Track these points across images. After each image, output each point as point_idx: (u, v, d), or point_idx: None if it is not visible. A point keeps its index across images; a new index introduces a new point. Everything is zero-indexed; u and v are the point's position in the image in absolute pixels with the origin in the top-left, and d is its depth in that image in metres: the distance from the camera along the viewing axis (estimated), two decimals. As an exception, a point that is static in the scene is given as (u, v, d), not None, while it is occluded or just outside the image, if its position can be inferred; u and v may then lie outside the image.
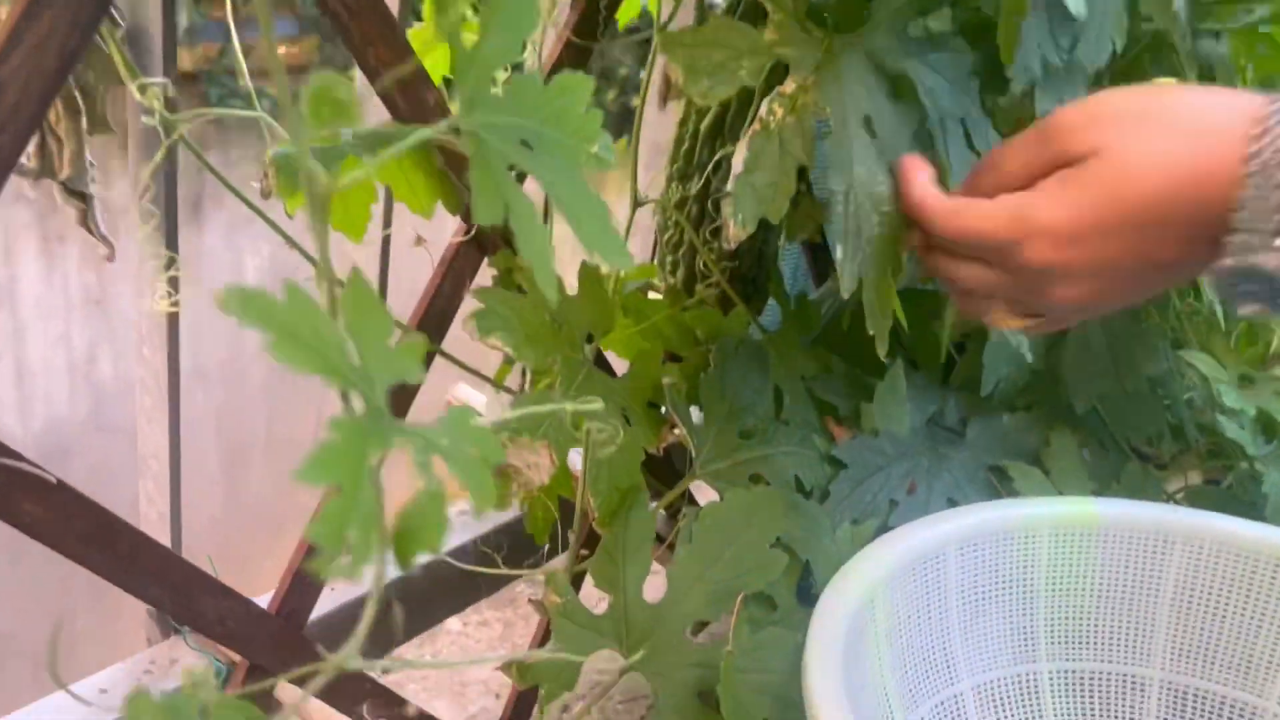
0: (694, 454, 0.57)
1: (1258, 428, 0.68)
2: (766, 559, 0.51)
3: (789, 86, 0.48)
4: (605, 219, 0.28)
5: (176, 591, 0.43)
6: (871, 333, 0.49)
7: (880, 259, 0.48)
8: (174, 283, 0.49)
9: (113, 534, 0.41)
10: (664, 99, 0.56)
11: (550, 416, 0.47)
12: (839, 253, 0.48)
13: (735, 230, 0.47)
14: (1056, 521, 0.59)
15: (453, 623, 0.97)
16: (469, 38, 0.27)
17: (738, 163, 0.48)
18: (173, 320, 0.62)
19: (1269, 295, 0.40)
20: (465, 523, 0.90)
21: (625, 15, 0.80)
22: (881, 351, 0.48)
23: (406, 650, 0.93)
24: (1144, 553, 0.59)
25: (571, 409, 0.42)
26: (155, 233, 0.53)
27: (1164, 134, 0.41)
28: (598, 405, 0.37)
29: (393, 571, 0.63)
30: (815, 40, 0.50)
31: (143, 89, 0.35)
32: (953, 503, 0.65)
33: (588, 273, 0.57)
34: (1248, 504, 0.68)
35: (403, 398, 0.57)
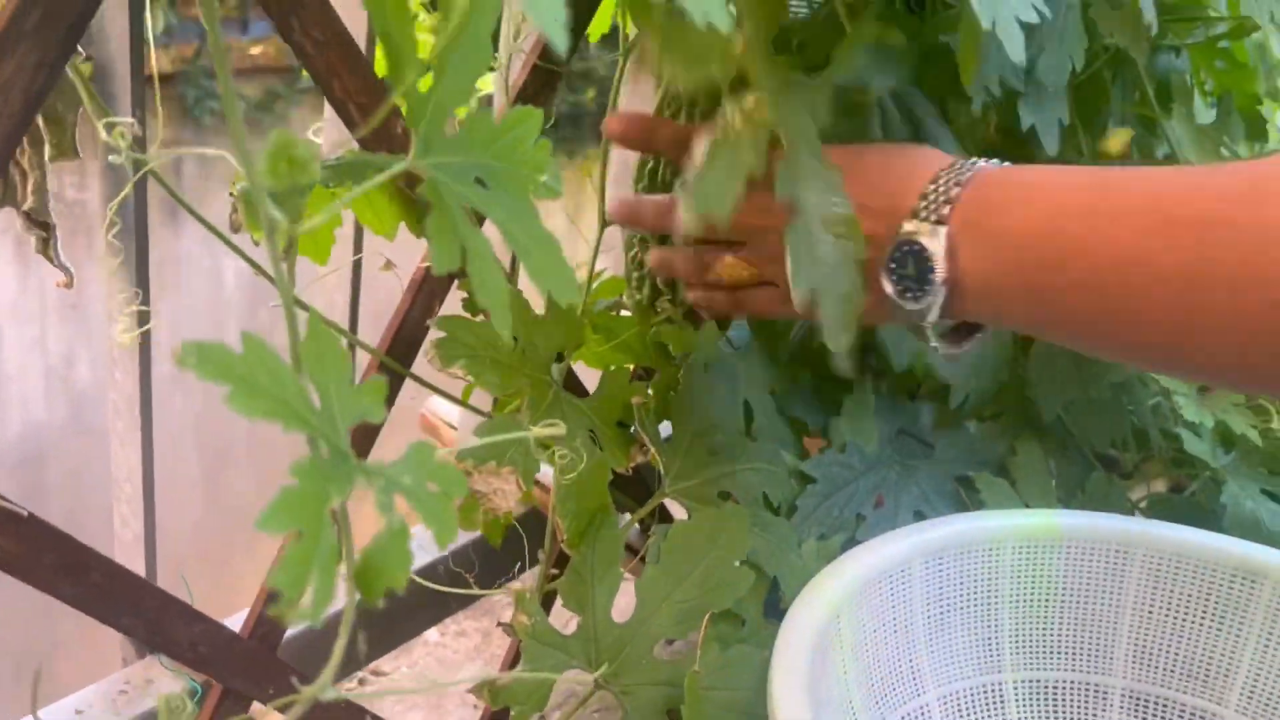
0: (662, 472, 0.58)
1: (1217, 440, 0.69)
2: (732, 577, 0.52)
3: (750, 100, 0.49)
4: (556, 253, 0.29)
5: (149, 620, 0.44)
6: (834, 348, 0.50)
7: (837, 276, 0.48)
8: (143, 316, 0.49)
9: (84, 565, 0.42)
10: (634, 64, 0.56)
11: (517, 441, 0.47)
12: (789, 269, 0.48)
13: (685, 223, 0.47)
14: (1020, 534, 0.60)
15: (430, 633, 0.97)
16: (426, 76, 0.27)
17: (696, 158, 0.49)
18: (144, 342, 0.62)
19: (916, 279, 0.48)
20: (429, 543, 0.90)
21: (596, 30, 0.80)
22: (845, 368, 0.49)
23: (383, 662, 0.93)
24: (1105, 563, 0.60)
25: (537, 434, 0.42)
26: (122, 266, 0.54)
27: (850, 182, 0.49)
28: (560, 431, 0.38)
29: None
30: (777, 67, 0.51)
31: (109, 127, 0.36)
32: (920, 515, 0.66)
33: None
34: (1211, 513, 0.69)
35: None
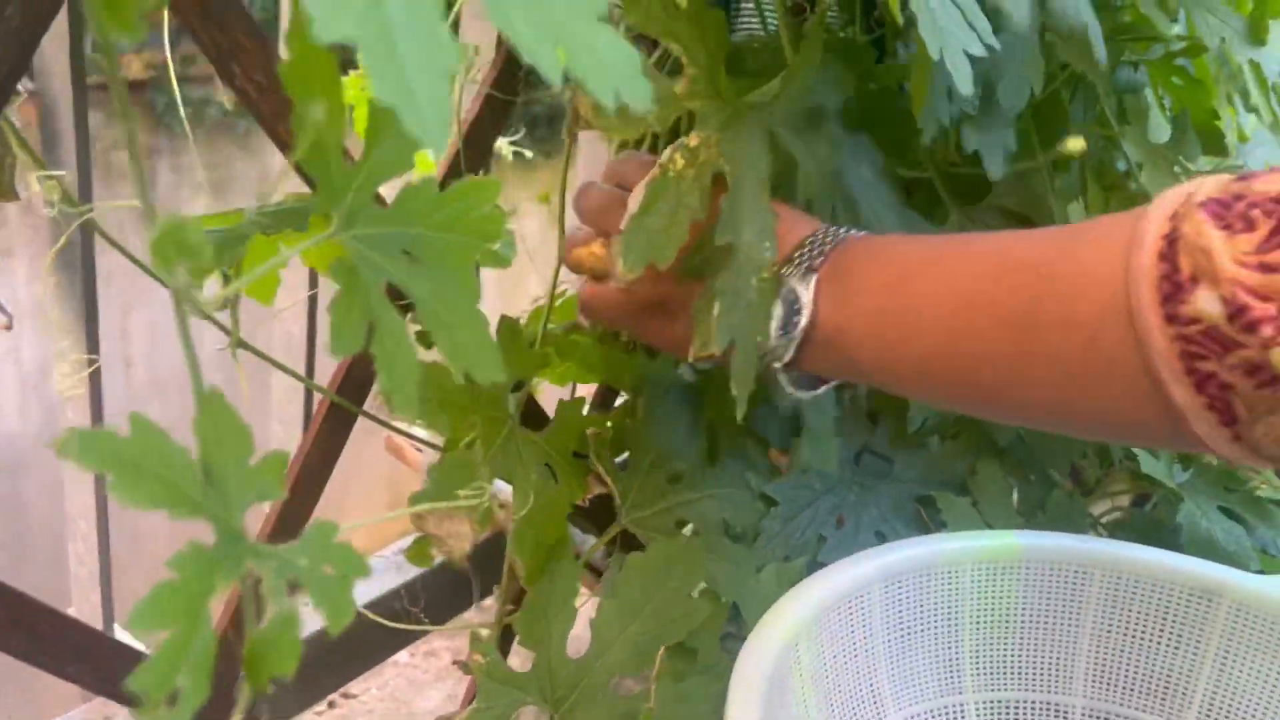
0: (619, 503, 0.58)
1: (1174, 457, 0.70)
2: (689, 609, 0.52)
3: (693, 140, 0.49)
4: (481, 332, 0.29)
5: (97, 668, 0.43)
6: (739, 394, 0.49)
7: (753, 324, 0.49)
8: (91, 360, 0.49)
9: (33, 618, 0.41)
10: (572, 133, 0.56)
11: (470, 479, 0.47)
12: (716, 308, 0.48)
13: (623, 271, 0.47)
14: (979, 555, 0.60)
15: (401, 654, 0.97)
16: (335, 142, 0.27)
17: (633, 203, 0.48)
18: (94, 382, 0.61)
19: (787, 317, 0.50)
20: (401, 564, 0.90)
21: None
22: (740, 414, 0.48)
23: (353, 684, 0.93)
24: (1065, 584, 0.61)
25: (483, 483, 0.42)
26: (66, 317, 0.53)
27: None
28: (482, 500, 0.37)
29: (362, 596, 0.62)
30: (724, 101, 0.51)
31: (44, 180, 0.35)
32: (880, 536, 0.66)
33: (506, 327, 0.58)
34: (1171, 529, 0.69)
35: (334, 443, 0.57)
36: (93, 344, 0.52)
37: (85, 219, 0.41)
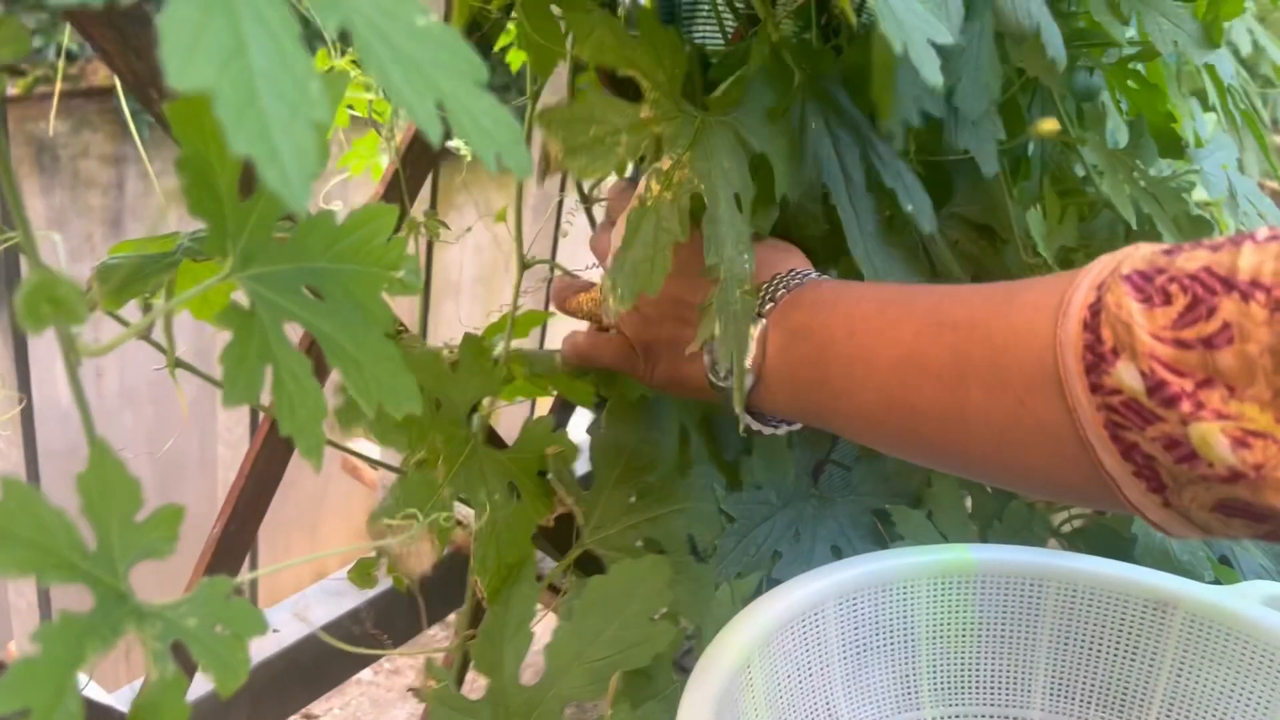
0: (581, 523, 0.57)
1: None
2: (649, 634, 0.51)
3: (665, 163, 0.49)
4: (393, 364, 0.28)
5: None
6: (741, 412, 0.51)
7: (739, 339, 0.49)
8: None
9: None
10: (542, 174, 0.56)
11: (432, 498, 0.46)
12: (717, 328, 0.49)
13: (615, 305, 0.47)
14: (935, 570, 0.60)
15: (365, 671, 0.96)
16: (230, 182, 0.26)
17: (616, 239, 0.48)
18: (27, 416, 0.60)
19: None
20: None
21: (516, 59, 0.79)
22: (741, 428, 0.49)
23: (315, 704, 0.92)
24: (1020, 597, 0.60)
25: (443, 509, 0.41)
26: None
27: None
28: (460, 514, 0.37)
29: (301, 629, 0.62)
30: (689, 117, 0.51)
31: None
32: (837, 551, 0.66)
33: (470, 344, 0.57)
34: (1127, 540, 0.69)
35: (276, 466, 0.56)
36: (23, 380, 0.51)
37: (9, 244, 0.40)
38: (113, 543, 0.23)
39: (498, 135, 0.23)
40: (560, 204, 0.81)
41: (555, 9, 0.54)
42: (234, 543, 0.50)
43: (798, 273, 0.53)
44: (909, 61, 0.48)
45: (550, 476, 0.59)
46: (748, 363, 0.50)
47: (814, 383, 0.49)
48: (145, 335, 0.30)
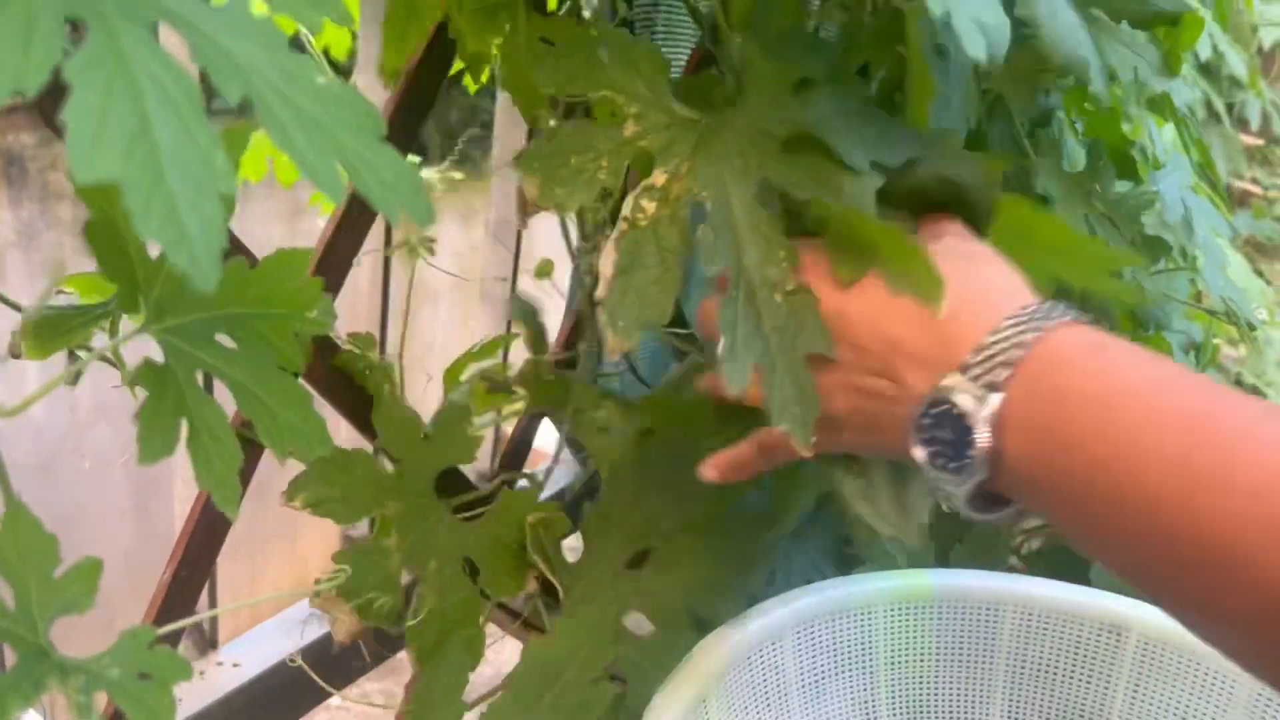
0: (561, 596, 0.53)
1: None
2: (589, 697, 0.49)
3: (659, 179, 0.45)
4: (304, 408, 0.28)
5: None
6: (784, 428, 0.42)
7: (792, 343, 0.43)
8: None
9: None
10: (524, 216, 0.54)
11: (378, 567, 0.46)
12: (721, 347, 0.43)
13: (615, 341, 0.43)
14: (892, 596, 0.60)
15: (333, 699, 0.95)
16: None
17: (607, 267, 0.44)
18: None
19: (951, 445, 0.39)
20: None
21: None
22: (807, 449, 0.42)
23: (285, 736, 0.91)
24: (978, 621, 0.61)
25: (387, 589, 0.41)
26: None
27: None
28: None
29: (272, 656, 0.62)
30: (688, 123, 0.47)
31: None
32: (810, 583, 0.65)
33: (448, 416, 0.56)
34: (1085, 561, 0.70)
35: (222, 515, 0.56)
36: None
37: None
38: (31, 600, 0.23)
39: (399, 187, 0.23)
40: (519, 233, 0.82)
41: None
42: (185, 586, 0.50)
43: (1035, 312, 0.40)
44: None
45: (529, 548, 0.55)
46: (976, 451, 0.39)
47: (1067, 495, 0.37)
48: (72, 381, 0.30)
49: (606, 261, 0.44)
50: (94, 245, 0.23)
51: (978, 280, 0.42)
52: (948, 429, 0.39)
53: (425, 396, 0.62)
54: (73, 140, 0.18)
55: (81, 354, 0.32)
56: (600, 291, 0.44)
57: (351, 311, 0.86)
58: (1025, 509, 0.42)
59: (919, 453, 0.41)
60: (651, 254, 0.44)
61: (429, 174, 0.75)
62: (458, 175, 0.79)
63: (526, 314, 0.61)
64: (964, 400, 0.39)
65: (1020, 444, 0.38)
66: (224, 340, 0.29)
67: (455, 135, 0.62)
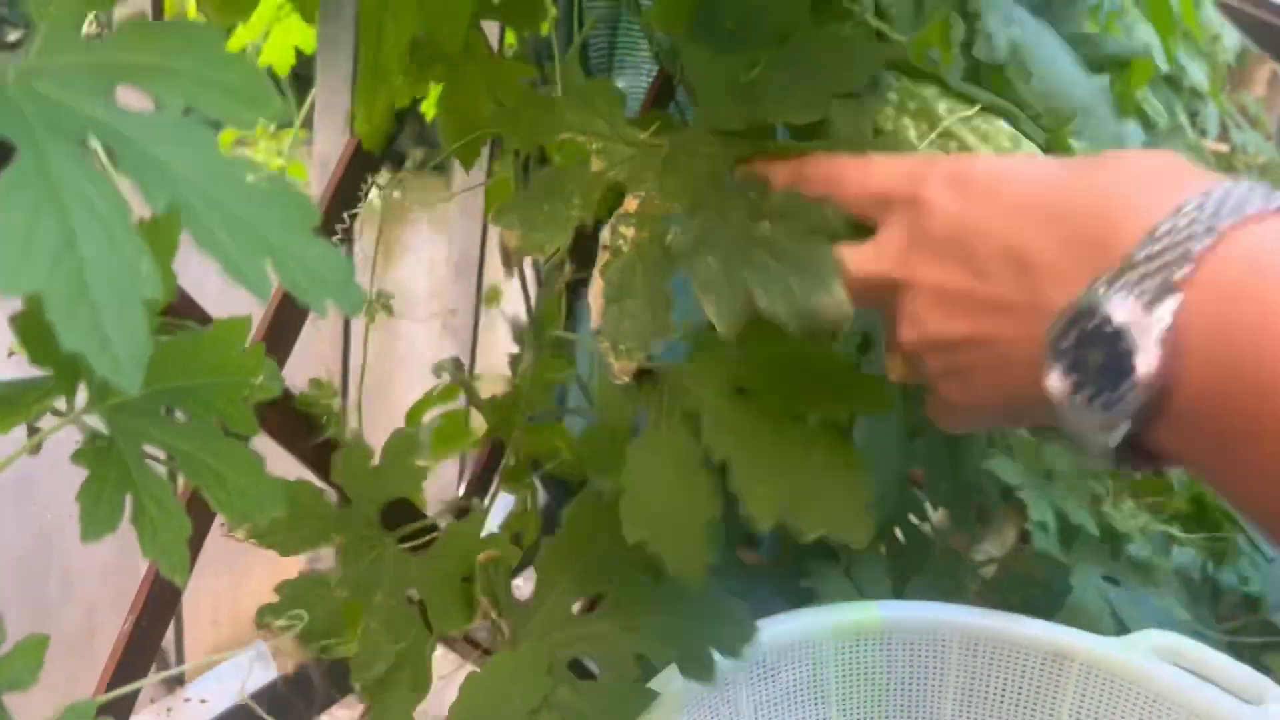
0: (505, 636, 0.52)
1: (1060, 528, 0.71)
2: None
3: (631, 204, 0.47)
4: (255, 474, 0.29)
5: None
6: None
7: (817, 281, 0.42)
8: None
9: None
10: (509, 266, 0.56)
11: (320, 599, 0.47)
12: (708, 306, 0.44)
13: (621, 364, 0.44)
14: (842, 630, 0.61)
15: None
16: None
17: (595, 299, 0.45)
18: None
19: (1103, 372, 0.30)
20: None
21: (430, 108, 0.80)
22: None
23: (252, 769, 0.91)
24: (926, 652, 0.62)
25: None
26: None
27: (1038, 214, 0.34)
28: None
29: (229, 699, 0.62)
30: (651, 148, 0.49)
31: None
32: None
33: (396, 446, 0.56)
34: (1043, 587, 0.71)
35: (195, 542, 0.56)
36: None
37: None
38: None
39: (329, 279, 0.24)
40: (481, 260, 0.82)
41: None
42: (145, 638, 0.50)
43: (1223, 190, 0.30)
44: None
45: (476, 587, 0.54)
46: (1142, 371, 0.29)
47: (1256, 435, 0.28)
48: (34, 451, 0.30)
49: (595, 293, 0.45)
50: (25, 339, 0.24)
51: (1133, 166, 0.32)
52: (1100, 348, 0.30)
53: (387, 432, 0.63)
54: (1, 259, 0.19)
55: (41, 426, 0.33)
56: (595, 321, 0.45)
57: (313, 343, 0.86)
58: (1187, 465, 0.32)
59: (1055, 384, 0.31)
60: (639, 276, 0.45)
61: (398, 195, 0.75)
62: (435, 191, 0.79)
63: (448, 367, 0.62)
64: (1122, 310, 0.29)
65: (1201, 373, 0.28)
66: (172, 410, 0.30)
67: (434, 145, 0.63)
